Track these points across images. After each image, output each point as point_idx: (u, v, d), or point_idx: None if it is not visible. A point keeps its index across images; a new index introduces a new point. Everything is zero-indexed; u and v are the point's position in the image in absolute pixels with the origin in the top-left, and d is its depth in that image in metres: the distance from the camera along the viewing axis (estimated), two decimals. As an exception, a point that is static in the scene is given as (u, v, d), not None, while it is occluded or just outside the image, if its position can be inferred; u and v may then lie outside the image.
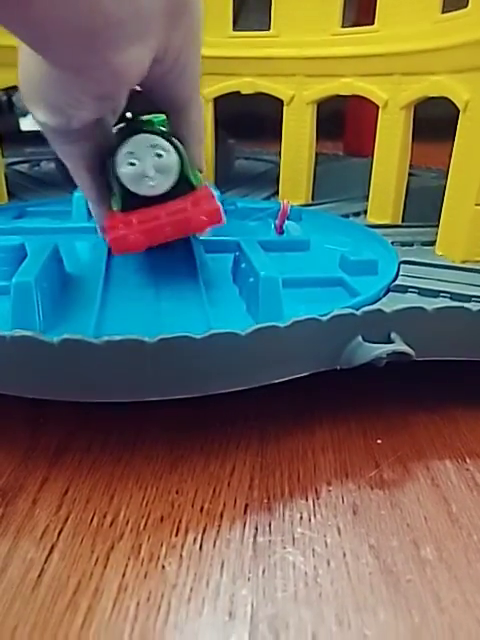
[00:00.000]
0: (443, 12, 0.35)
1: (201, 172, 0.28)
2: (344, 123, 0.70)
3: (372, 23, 0.39)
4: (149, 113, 0.26)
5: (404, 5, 0.37)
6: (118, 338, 0.19)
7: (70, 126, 0.22)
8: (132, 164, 0.23)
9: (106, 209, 0.26)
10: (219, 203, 0.26)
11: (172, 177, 0.24)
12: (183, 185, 0.24)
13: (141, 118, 0.25)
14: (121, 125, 0.25)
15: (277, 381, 0.22)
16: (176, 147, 0.24)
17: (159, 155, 0.24)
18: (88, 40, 0.18)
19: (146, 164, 0.23)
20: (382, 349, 0.22)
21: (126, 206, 0.24)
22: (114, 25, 0.18)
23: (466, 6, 0.31)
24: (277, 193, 0.48)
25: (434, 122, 0.63)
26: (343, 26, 0.42)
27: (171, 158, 0.24)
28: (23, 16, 0.17)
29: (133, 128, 0.24)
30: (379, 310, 0.23)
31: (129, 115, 0.26)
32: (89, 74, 0.19)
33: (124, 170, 0.23)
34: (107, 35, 0.18)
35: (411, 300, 0.27)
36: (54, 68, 0.20)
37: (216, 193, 0.38)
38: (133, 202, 0.24)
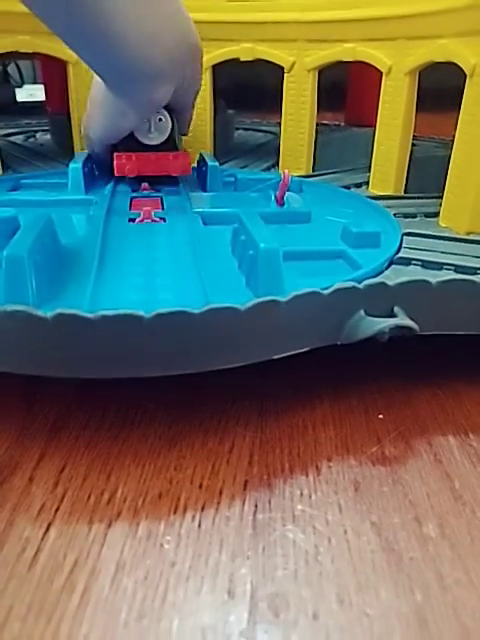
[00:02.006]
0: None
1: (186, 135, 0.41)
2: (345, 94, 0.68)
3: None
4: None
5: (410, -37, 0.35)
6: (113, 313, 0.18)
7: (119, 136, 0.36)
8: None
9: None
10: (189, 160, 0.38)
11: (165, 135, 0.36)
12: (170, 144, 0.36)
13: None
14: None
15: (277, 357, 0.22)
16: (171, 116, 0.36)
17: (160, 119, 0.36)
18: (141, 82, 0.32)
19: (151, 122, 0.36)
20: (385, 323, 0.21)
21: (127, 147, 0.36)
22: (156, 72, 0.31)
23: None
24: (277, 164, 0.47)
25: (439, 91, 0.61)
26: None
27: (167, 123, 0.36)
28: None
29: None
30: (382, 283, 0.22)
31: None
32: (138, 102, 0.33)
33: None
34: (152, 79, 0.32)
35: (415, 273, 0.26)
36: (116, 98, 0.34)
37: (214, 163, 0.38)
38: (133, 146, 0.36)
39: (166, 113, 0.36)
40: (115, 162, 0.36)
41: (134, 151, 0.36)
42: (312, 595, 0.16)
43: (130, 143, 0.36)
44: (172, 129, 0.36)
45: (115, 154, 0.36)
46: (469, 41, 0.31)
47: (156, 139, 0.36)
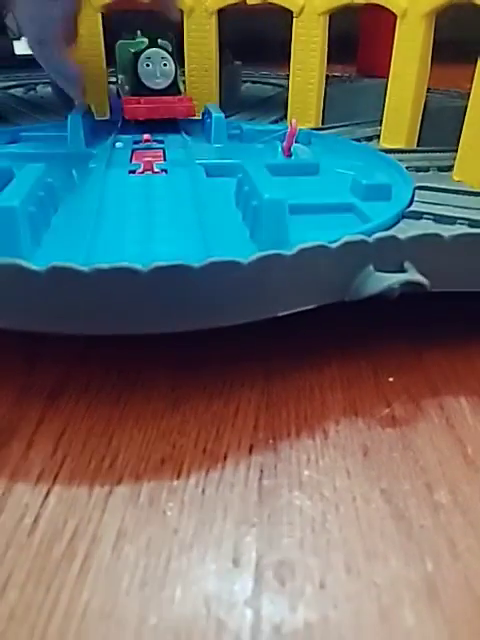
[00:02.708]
0: None
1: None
2: (356, 45, 0.64)
3: None
4: (161, 36, 0.39)
5: None
6: (108, 266, 0.17)
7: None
8: (148, 66, 0.37)
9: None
10: (193, 104, 0.39)
11: (170, 80, 0.38)
12: (173, 88, 0.38)
13: (158, 39, 0.38)
14: (144, 40, 0.38)
15: (283, 314, 0.20)
16: (174, 61, 0.38)
17: (165, 64, 0.38)
18: None
19: (156, 67, 0.37)
20: (395, 279, 0.19)
21: (135, 92, 0.38)
22: None
23: None
24: (285, 117, 0.44)
25: (455, 42, 0.57)
26: None
27: (171, 67, 0.38)
28: None
29: (152, 44, 0.37)
30: (392, 237, 0.20)
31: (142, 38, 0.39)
32: None
33: (142, 69, 0.37)
34: None
35: (426, 227, 0.24)
36: None
37: (219, 114, 0.35)
38: (142, 91, 0.38)
39: (170, 58, 0.37)
40: (125, 106, 0.38)
41: (142, 96, 0.37)
42: (319, 563, 0.15)
43: (138, 88, 0.38)
44: (175, 74, 0.38)
45: (124, 98, 0.38)
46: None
47: (162, 83, 0.38)
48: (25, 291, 0.18)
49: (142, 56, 0.37)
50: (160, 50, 0.37)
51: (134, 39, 0.39)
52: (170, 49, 0.38)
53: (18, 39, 0.91)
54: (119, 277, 0.17)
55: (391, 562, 0.15)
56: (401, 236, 0.20)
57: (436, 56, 0.36)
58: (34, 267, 0.17)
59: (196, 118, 0.40)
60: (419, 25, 0.34)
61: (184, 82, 0.43)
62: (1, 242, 0.19)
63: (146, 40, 0.38)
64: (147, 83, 0.38)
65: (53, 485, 0.17)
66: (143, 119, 0.37)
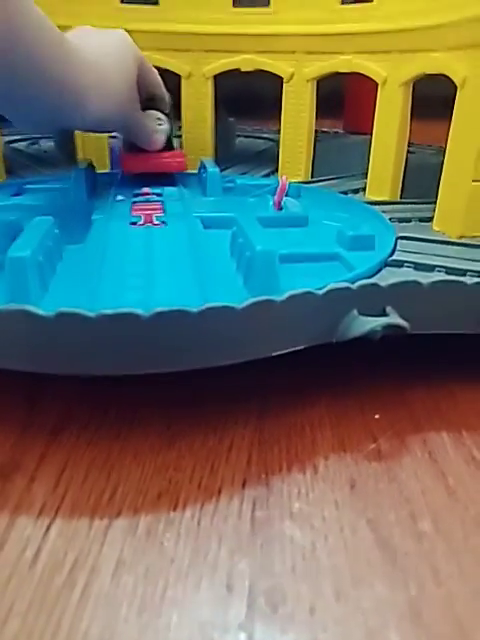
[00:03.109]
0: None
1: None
2: (343, 101, 0.68)
3: (371, 0, 0.38)
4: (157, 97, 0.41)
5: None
6: (113, 311, 0.19)
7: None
8: None
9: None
10: (185, 160, 0.42)
11: (164, 139, 0.40)
12: (168, 144, 0.41)
13: (154, 99, 0.40)
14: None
15: (274, 354, 0.22)
16: (170, 121, 0.40)
17: (160, 123, 0.39)
18: None
19: None
20: (377, 322, 0.21)
21: (132, 148, 0.40)
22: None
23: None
24: (277, 170, 0.47)
25: (433, 100, 0.61)
26: (343, 2, 0.41)
27: (165, 127, 0.40)
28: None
29: (147, 106, 0.39)
30: (374, 284, 0.22)
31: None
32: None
33: None
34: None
35: (407, 274, 0.26)
36: None
37: (214, 169, 0.38)
38: (138, 147, 0.40)
39: (164, 117, 0.40)
40: (123, 161, 0.41)
41: (139, 151, 0.40)
42: (309, 590, 0.16)
43: (134, 145, 0.41)
44: (171, 131, 0.41)
45: (123, 154, 0.42)
46: (459, 55, 0.31)
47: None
48: (34, 334, 0.19)
49: None
50: (156, 111, 0.40)
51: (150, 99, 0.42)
52: (165, 111, 0.41)
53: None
54: (123, 321, 0.19)
55: (377, 588, 0.16)
56: (383, 283, 0.22)
57: (419, 112, 0.39)
58: (43, 312, 0.18)
59: (192, 172, 0.43)
60: (398, 92, 0.37)
61: (179, 136, 0.46)
62: (12, 289, 0.21)
63: None
64: None
65: (54, 518, 0.18)
66: (139, 172, 0.41)
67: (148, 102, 0.40)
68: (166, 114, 0.40)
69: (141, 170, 0.41)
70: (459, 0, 0.31)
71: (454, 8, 0.31)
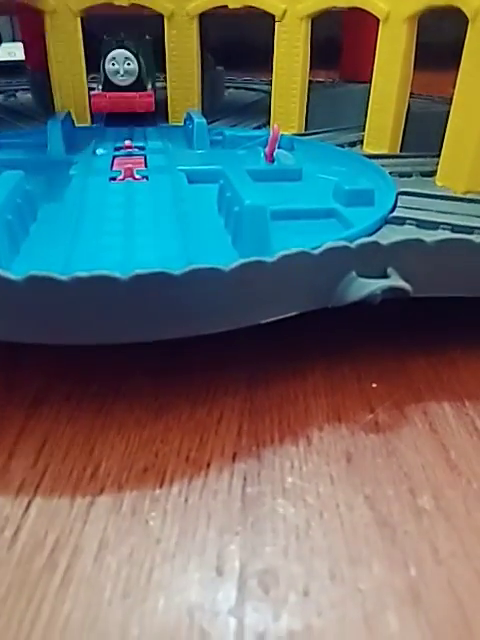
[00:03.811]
0: None
1: None
2: (339, 50, 0.65)
3: None
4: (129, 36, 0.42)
5: None
6: (88, 274, 0.17)
7: None
8: (113, 65, 0.41)
9: None
10: (152, 99, 0.42)
11: (133, 78, 0.42)
12: (138, 85, 0.42)
13: (123, 40, 0.42)
14: (111, 41, 0.42)
15: (265, 321, 0.21)
16: (138, 61, 0.41)
17: (128, 63, 0.41)
18: None
19: (120, 67, 0.41)
20: (377, 285, 0.20)
21: (105, 89, 0.42)
22: None
23: None
24: (268, 123, 0.45)
25: (437, 47, 0.58)
26: None
27: (134, 66, 0.41)
28: None
29: (117, 45, 0.41)
30: (374, 242, 0.21)
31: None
32: None
33: (108, 67, 0.41)
34: None
35: (409, 232, 0.25)
36: None
37: (200, 120, 0.36)
38: (109, 87, 0.42)
39: (133, 57, 0.41)
40: (92, 100, 0.42)
41: (109, 91, 0.42)
42: (303, 571, 0.15)
43: (106, 85, 0.42)
44: (139, 72, 0.41)
45: (92, 93, 0.42)
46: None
47: (126, 80, 0.41)
48: (3, 301, 0.18)
49: (108, 56, 0.41)
50: (124, 50, 0.41)
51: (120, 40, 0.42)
52: (134, 49, 0.42)
53: (-2, 45, 0.91)
54: (99, 285, 0.17)
55: (375, 568, 0.15)
56: (383, 242, 0.21)
57: (420, 62, 0.36)
58: (12, 276, 0.17)
59: (178, 124, 0.41)
60: (401, 29, 0.35)
61: (164, 88, 0.45)
62: (-22, 251, 0.19)
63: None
64: (113, 80, 0.41)
65: (34, 496, 0.18)
66: (107, 112, 0.42)
67: (117, 41, 0.41)
68: (134, 54, 0.41)
69: (109, 110, 0.42)
70: None
71: None
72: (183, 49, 0.43)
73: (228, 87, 0.59)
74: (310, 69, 0.42)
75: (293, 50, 0.41)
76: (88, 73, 0.44)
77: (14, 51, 0.89)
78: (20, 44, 0.89)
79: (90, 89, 0.44)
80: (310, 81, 0.43)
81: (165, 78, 0.45)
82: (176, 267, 0.18)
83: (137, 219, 0.25)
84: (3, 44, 0.97)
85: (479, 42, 0.28)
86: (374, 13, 0.36)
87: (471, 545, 0.16)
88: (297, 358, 0.24)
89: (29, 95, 0.57)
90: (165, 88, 0.45)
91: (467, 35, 0.29)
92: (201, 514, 0.17)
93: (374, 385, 0.23)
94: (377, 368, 0.24)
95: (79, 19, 0.42)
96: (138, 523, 0.17)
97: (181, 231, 0.23)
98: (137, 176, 0.30)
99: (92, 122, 0.45)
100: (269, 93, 0.44)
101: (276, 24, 0.41)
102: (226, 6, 0.41)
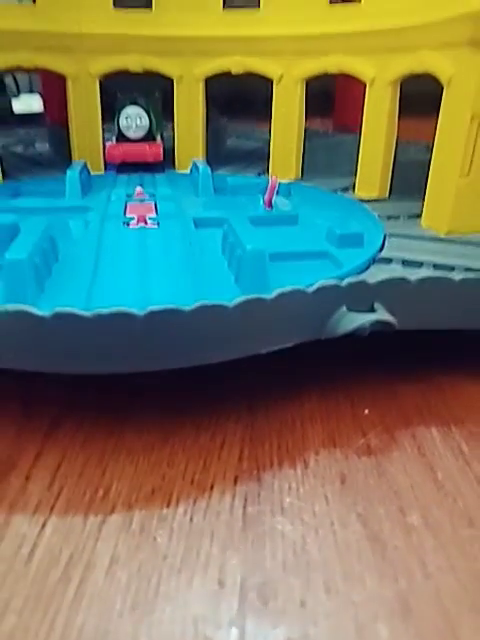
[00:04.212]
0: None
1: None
2: (333, 99, 0.68)
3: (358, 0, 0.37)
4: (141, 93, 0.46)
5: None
6: (108, 311, 0.18)
7: None
8: (126, 120, 0.45)
9: None
10: (161, 150, 0.46)
11: (144, 131, 0.45)
12: (149, 137, 0.45)
13: (135, 98, 0.45)
14: (126, 99, 0.45)
15: (265, 351, 0.22)
16: (149, 117, 0.45)
17: (140, 119, 0.45)
18: None
19: (132, 122, 0.45)
20: (365, 319, 0.21)
21: (118, 140, 0.45)
22: None
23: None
24: (268, 170, 0.46)
25: (423, 97, 0.61)
26: (331, 2, 0.40)
27: (145, 122, 0.45)
28: None
29: (131, 102, 0.45)
30: (362, 281, 0.22)
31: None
32: None
33: (122, 122, 0.45)
34: None
35: (395, 271, 0.26)
36: None
37: (205, 169, 0.38)
38: (122, 139, 0.45)
39: (145, 114, 0.45)
40: (107, 151, 0.45)
41: (122, 142, 0.45)
42: (300, 584, 0.16)
43: (119, 137, 0.45)
44: (150, 126, 0.45)
45: (108, 144, 0.45)
46: (446, 53, 0.31)
47: (137, 134, 0.45)
48: (31, 334, 0.19)
49: (122, 112, 0.45)
50: (137, 108, 0.44)
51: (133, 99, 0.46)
52: (145, 107, 0.45)
53: (16, 96, 0.96)
54: (118, 320, 0.18)
55: (367, 581, 0.16)
56: (371, 280, 0.22)
57: (405, 109, 0.38)
58: (40, 312, 0.18)
59: (185, 172, 0.43)
60: (386, 91, 0.37)
61: (162, 134, 0.48)
62: (10, 290, 0.20)
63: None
64: (126, 133, 0.45)
65: (50, 515, 0.18)
66: (120, 161, 0.45)
67: (130, 99, 0.45)
68: (146, 111, 0.45)
69: (122, 159, 0.45)
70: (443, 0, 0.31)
71: (440, 6, 0.31)
72: (190, 107, 0.46)
73: (230, 136, 0.62)
74: (306, 117, 0.44)
75: (289, 108, 0.43)
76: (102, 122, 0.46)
77: (31, 102, 0.93)
78: (37, 95, 0.94)
79: (104, 140, 0.47)
80: (306, 130, 0.45)
81: (172, 128, 0.47)
82: (186, 303, 0.19)
83: (150, 260, 0.26)
84: (21, 95, 1.01)
85: (453, 105, 0.30)
86: (361, 78, 0.38)
87: (457, 560, 0.17)
88: (294, 387, 0.25)
89: (47, 145, 0.59)
90: (172, 137, 0.47)
91: (443, 98, 0.31)
92: (205, 532, 0.18)
93: (366, 411, 0.23)
94: (369, 395, 0.24)
95: (97, 81, 0.44)
96: (146, 540, 0.17)
97: (189, 271, 0.25)
98: (149, 222, 0.32)
99: (105, 169, 0.47)
100: (268, 142, 0.46)
101: (274, 85, 0.43)
102: (230, 71, 0.43)
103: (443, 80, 0.31)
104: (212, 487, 0.19)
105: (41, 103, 0.90)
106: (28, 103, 0.92)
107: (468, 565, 0.16)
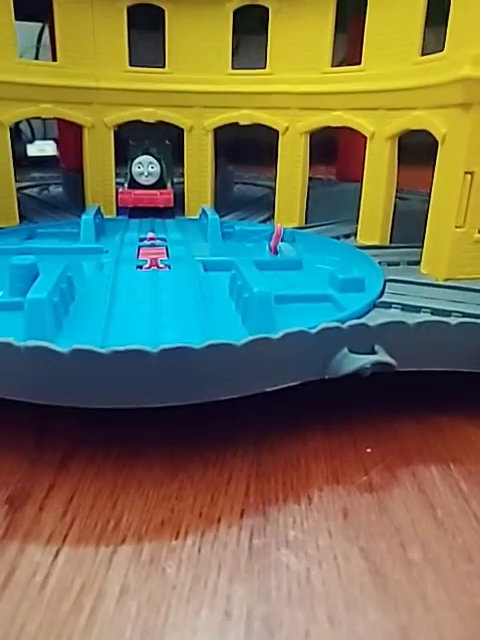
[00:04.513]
0: (422, 54, 0.36)
1: None
2: (336, 148, 0.71)
3: (359, 63, 0.40)
4: (153, 143, 0.48)
5: (387, 48, 0.38)
6: (123, 348, 0.20)
7: None
8: (139, 168, 0.47)
9: None
10: (172, 196, 0.48)
11: (155, 178, 0.47)
12: (160, 184, 0.48)
13: (147, 147, 0.48)
14: (139, 148, 0.48)
15: (270, 389, 0.23)
16: (160, 164, 0.47)
17: (152, 166, 0.47)
18: None
19: (144, 169, 0.47)
20: (366, 360, 0.22)
21: (131, 186, 0.48)
22: None
23: (442, 50, 0.33)
24: (273, 216, 0.49)
25: (424, 147, 0.64)
26: (333, 64, 0.43)
27: (156, 169, 0.47)
28: None
29: (143, 151, 0.47)
30: (363, 324, 0.23)
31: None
32: None
33: (134, 170, 0.47)
34: None
35: (394, 315, 0.27)
36: None
37: (214, 216, 0.40)
38: (135, 186, 0.47)
39: (156, 162, 0.47)
40: (120, 196, 0.48)
41: (134, 188, 0.48)
42: (304, 615, 0.16)
43: (132, 184, 0.48)
44: (161, 173, 0.48)
45: (120, 191, 0.48)
46: (440, 113, 0.33)
47: (149, 181, 0.47)
48: (50, 369, 0.20)
49: (135, 160, 0.47)
50: (149, 156, 0.47)
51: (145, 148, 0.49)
52: (157, 155, 0.48)
53: (31, 142, 1.00)
54: (132, 357, 0.20)
55: (369, 614, 0.17)
56: (371, 323, 0.23)
57: (408, 159, 0.41)
58: (59, 349, 0.19)
59: (194, 218, 0.45)
60: (385, 145, 0.39)
61: (182, 182, 0.51)
62: (30, 327, 0.22)
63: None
64: (138, 180, 0.47)
65: (62, 545, 0.19)
66: (131, 206, 0.48)
67: (143, 148, 0.47)
68: (157, 159, 0.47)
69: (133, 205, 0.47)
70: (438, 64, 0.33)
71: (433, 72, 0.34)
72: (199, 156, 0.48)
73: (237, 182, 0.65)
74: (310, 166, 0.47)
75: (294, 158, 0.46)
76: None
77: (45, 148, 0.98)
78: (50, 142, 0.98)
79: (117, 184, 0.49)
80: (310, 178, 0.48)
81: (182, 174, 0.50)
82: (196, 342, 0.20)
83: (162, 301, 0.28)
84: (35, 141, 1.06)
85: (447, 160, 0.32)
86: (362, 132, 0.41)
87: (456, 593, 0.17)
88: (299, 425, 0.26)
89: (60, 189, 0.62)
90: (182, 183, 0.50)
91: (438, 154, 0.33)
92: (212, 563, 0.18)
93: (368, 450, 0.24)
94: (371, 435, 0.25)
95: (112, 131, 0.47)
96: (156, 571, 0.18)
97: (199, 312, 0.26)
98: (161, 265, 0.33)
99: (117, 214, 0.49)
100: (274, 188, 0.49)
101: (279, 136, 0.46)
102: (237, 122, 0.46)
103: (438, 137, 0.33)
104: (219, 520, 0.20)
105: (54, 148, 0.94)
106: (42, 148, 0.97)
107: (467, 600, 0.17)
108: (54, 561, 0.18)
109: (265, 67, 0.45)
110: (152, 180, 0.47)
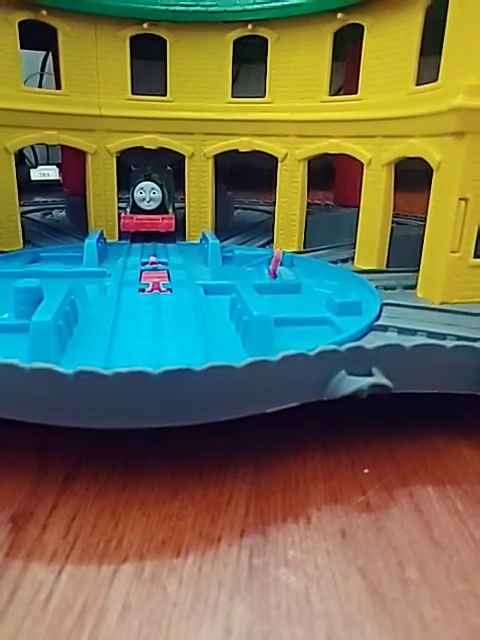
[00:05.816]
0: (417, 84, 0.38)
1: None
2: (334, 173, 0.73)
3: (356, 92, 0.42)
4: (155, 169, 0.51)
5: (384, 78, 0.40)
6: (126, 370, 0.20)
7: None
8: (141, 193, 0.49)
9: None
10: (173, 221, 0.50)
11: (157, 204, 0.49)
12: (162, 209, 0.49)
13: (150, 173, 0.50)
14: (141, 173, 0.50)
15: (270, 411, 0.23)
16: (162, 190, 0.49)
17: (154, 192, 0.49)
18: None
19: (146, 195, 0.49)
20: (363, 382, 0.23)
21: (133, 211, 0.49)
22: None
23: (436, 80, 0.34)
24: (272, 241, 0.50)
25: (420, 173, 0.66)
26: (330, 92, 0.45)
27: (158, 195, 0.49)
28: None
29: (145, 177, 0.49)
30: (360, 347, 0.24)
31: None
32: None
33: (136, 195, 0.49)
34: None
35: (391, 338, 0.28)
36: None
37: (214, 241, 0.41)
38: (137, 211, 0.49)
39: (158, 188, 0.49)
40: (122, 221, 0.49)
41: (136, 213, 0.49)
42: (303, 633, 0.17)
43: (134, 209, 0.49)
44: (162, 199, 0.49)
45: (122, 216, 0.50)
46: (434, 141, 0.35)
47: (151, 206, 0.49)
48: (54, 390, 0.21)
49: (137, 186, 0.49)
50: (150, 182, 0.48)
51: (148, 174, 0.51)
52: (159, 181, 0.49)
53: (34, 167, 1.02)
54: (135, 378, 0.20)
55: (367, 631, 0.17)
56: (368, 346, 0.24)
57: (401, 184, 0.42)
58: (63, 370, 0.20)
59: (195, 242, 0.46)
60: (381, 172, 0.41)
61: (173, 206, 0.53)
62: (35, 349, 0.23)
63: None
64: (140, 205, 0.49)
65: (65, 564, 0.19)
66: (133, 230, 0.49)
67: (145, 174, 0.49)
68: (159, 185, 0.49)
69: (135, 229, 0.49)
70: (432, 94, 0.35)
71: (427, 101, 0.35)
72: (200, 182, 0.50)
73: (237, 207, 0.66)
74: (309, 191, 0.48)
75: (293, 184, 0.47)
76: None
77: (48, 172, 1.00)
78: (53, 166, 1.00)
79: (119, 209, 0.51)
80: (309, 203, 0.49)
81: (182, 199, 0.51)
82: (197, 364, 0.21)
83: (164, 324, 0.29)
84: (39, 166, 1.08)
85: (442, 187, 0.34)
86: (359, 159, 0.42)
87: (453, 612, 0.18)
88: (298, 446, 0.26)
89: (63, 213, 0.64)
90: (183, 208, 0.51)
91: (433, 181, 0.34)
92: (213, 581, 0.19)
93: (366, 471, 0.25)
94: (369, 455, 0.26)
95: (115, 157, 0.49)
96: (157, 589, 0.18)
97: (200, 334, 0.27)
98: (163, 288, 0.34)
99: (119, 238, 0.50)
100: (273, 213, 0.50)
101: (278, 163, 0.47)
102: (237, 150, 0.48)
103: (433, 165, 0.34)
104: (220, 539, 0.21)
105: (57, 172, 0.96)
106: (45, 173, 0.99)
107: (464, 618, 0.18)
108: (57, 579, 0.19)
109: (264, 95, 0.47)
110: (154, 205, 0.49)
